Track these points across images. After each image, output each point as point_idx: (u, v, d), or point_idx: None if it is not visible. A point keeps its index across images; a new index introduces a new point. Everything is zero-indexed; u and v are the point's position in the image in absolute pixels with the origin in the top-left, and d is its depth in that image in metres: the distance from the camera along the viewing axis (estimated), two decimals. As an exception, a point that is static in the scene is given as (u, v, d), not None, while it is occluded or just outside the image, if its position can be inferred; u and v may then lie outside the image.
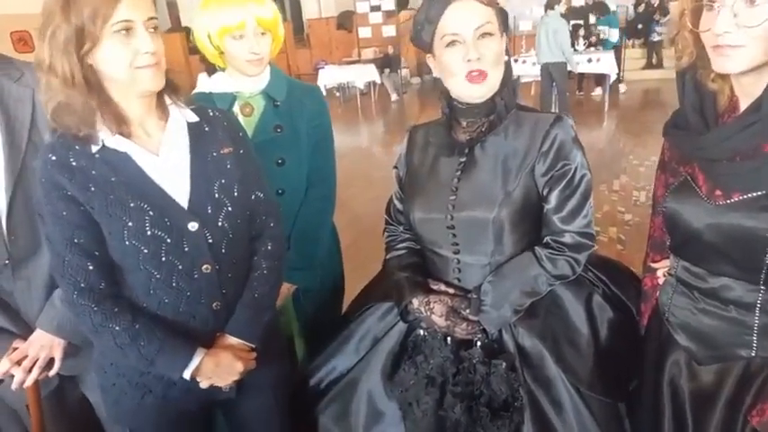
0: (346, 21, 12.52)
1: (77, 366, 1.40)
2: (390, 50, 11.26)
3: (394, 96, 10.66)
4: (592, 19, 9.43)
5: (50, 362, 1.32)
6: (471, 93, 1.20)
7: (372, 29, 11.88)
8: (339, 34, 12.94)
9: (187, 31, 10.26)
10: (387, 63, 10.90)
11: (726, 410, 1.05)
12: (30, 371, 1.28)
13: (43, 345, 1.29)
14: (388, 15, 11.75)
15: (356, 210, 4.58)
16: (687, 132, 1.03)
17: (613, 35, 8.20)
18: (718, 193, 0.99)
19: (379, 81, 10.37)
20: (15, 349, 1.29)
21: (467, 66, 1.16)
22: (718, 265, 1.03)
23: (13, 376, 1.28)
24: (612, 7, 11.55)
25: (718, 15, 0.86)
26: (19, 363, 1.27)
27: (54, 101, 1.01)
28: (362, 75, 10.12)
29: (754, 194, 0.94)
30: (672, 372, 1.14)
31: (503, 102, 1.23)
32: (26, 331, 1.32)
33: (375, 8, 11.81)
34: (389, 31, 11.75)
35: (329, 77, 10.09)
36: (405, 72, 11.78)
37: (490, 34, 1.17)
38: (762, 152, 0.92)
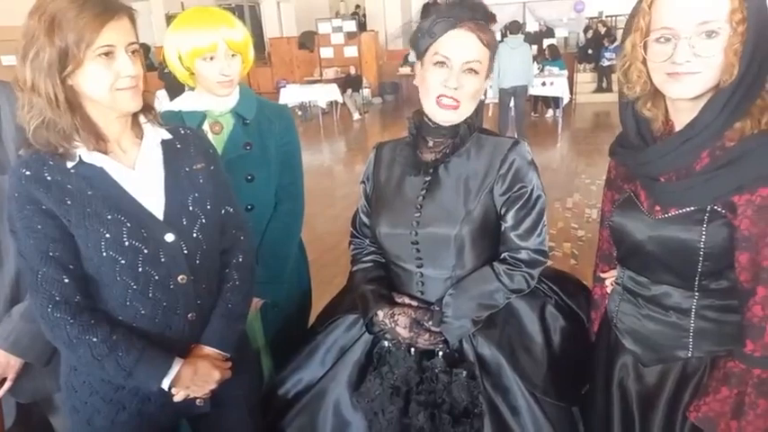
0: (308, 41, 12.61)
1: (36, 391, 1.36)
2: (352, 71, 11.38)
3: (356, 116, 10.75)
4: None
5: (1, 381, 1.28)
6: (441, 117, 1.27)
7: (334, 49, 12.02)
8: (301, 54, 13.00)
9: (145, 48, 10.13)
10: (349, 83, 11.00)
11: (667, 408, 1.14)
12: None
13: None
14: (350, 36, 11.92)
15: (318, 227, 4.60)
16: (631, 150, 1.12)
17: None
18: (657, 208, 1.09)
19: (341, 101, 10.45)
20: None
21: (443, 89, 1.22)
22: (659, 274, 1.12)
23: None
24: (564, 33, 12.11)
25: (676, 47, 0.96)
26: None
27: (36, 119, 1.03)
28: (324, 94, 10.19)
29: (688, 209, 1.03)
30: (621, 374, 1.22)
31: (466, 126, 1.30)
32: None
33: (337, 29, 11.97)
34: (351, 51, 11.90)
35: (291, 96, 10.12)
36: (366, 92, 11.91)
37: (476, 72, 1.23)
38: (693, 172, 1.02)
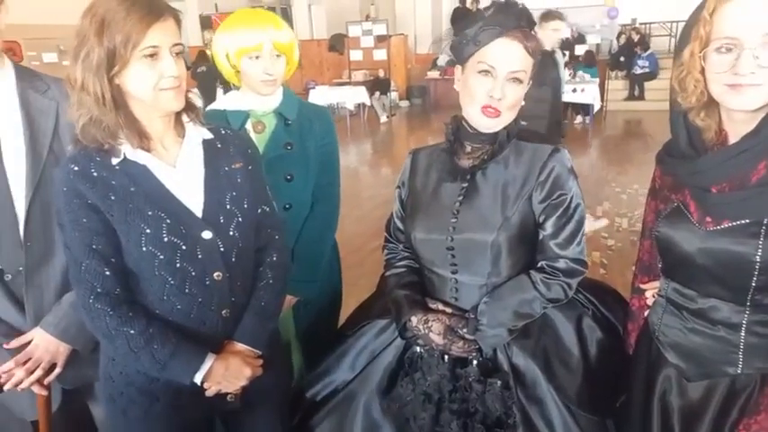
0: (338, 43, 12.66)
1: (79, 378, 1.40)
2: (381, 74, 11.41)
3: (383, 118, 10.76)
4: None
5: (51, 367, 1.32)
6: (483, 123, 1.26)
7: (363, 52, 12.04)
8: (330, 56, 13.05)
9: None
10: (377, 86, 11.03)
11: (712, 425, 1.11)
12: (31, 373, 1.29)
13: (49, 350, 1.30)
14: (380, 40, 11.93)
15: (344, 229, 4.60)
16: (682, 159, 1.10)
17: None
18: (708, 219, 1.05)
19: (368, 103, 10.48)
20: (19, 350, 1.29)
21: (487, 99, 1.21)
22: (708, 287, 1.09)
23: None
24: (597, 40, 11.93)
25: (739, 58, 0.93)
26: (23, 364, 1.29)
27: (85, 116, 1.06)
28: (353, 96, 10.22)
29: (743, 222, 1.00)
30: (662, 388, 1.19)
31: (505, 132, 1.28)
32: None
33: (367, 32, 12.00)
34: (380, 54, 11.92)
35: (319, 97, 10.14)
36: (394, 95, 11.92)
37: (520, 81, 1.22)
38: (749, 183, 0.99)
